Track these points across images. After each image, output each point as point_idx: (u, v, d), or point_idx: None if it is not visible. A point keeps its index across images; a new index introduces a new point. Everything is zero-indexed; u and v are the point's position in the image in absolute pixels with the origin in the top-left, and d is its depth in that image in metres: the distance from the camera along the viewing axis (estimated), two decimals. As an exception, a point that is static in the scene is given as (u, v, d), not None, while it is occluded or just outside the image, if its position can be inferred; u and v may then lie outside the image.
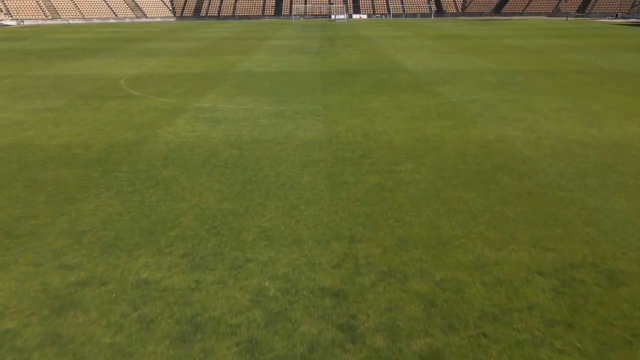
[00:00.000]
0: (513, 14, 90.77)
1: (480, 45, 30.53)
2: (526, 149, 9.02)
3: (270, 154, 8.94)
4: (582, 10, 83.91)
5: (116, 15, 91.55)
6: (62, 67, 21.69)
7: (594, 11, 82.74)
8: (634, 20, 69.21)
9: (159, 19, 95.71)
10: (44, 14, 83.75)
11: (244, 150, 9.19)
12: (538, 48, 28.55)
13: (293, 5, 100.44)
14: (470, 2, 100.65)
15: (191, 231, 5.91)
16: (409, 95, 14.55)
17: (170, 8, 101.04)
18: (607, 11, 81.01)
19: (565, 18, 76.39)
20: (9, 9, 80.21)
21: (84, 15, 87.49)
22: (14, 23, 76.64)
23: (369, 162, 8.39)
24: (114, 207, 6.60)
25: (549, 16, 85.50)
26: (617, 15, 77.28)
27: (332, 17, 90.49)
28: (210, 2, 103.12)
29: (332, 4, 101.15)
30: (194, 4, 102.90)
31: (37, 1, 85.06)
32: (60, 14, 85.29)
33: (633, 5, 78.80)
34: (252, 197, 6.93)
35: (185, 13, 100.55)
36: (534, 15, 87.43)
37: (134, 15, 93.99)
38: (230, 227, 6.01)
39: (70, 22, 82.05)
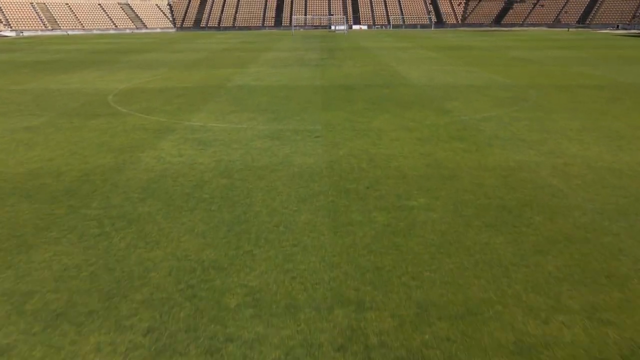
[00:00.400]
0: (513, 24, 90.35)
1: (485, 57, 29.60)
2: (553, 179, 7.93)
3: (264, 184, 7.85)
4: (582, 21, 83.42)
5: (116, 26, 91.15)
6: (50, 81, 20.68)
7: (594, 22, 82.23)
8: (636, 31, 68.58)
9: (159, 30, 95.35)
10: (44, 24, 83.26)
11: (234, 179, 8.10)
12: (546, 60, 27.60)
13: (293, 16, 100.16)
14: (470, 13, 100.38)
15: (162, 293, 4.79)
16: (415, 112, 13.50)
17: (171, 19, 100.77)
18: (607, 22, 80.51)
19: (567, 29, 75.84)
20: (9, 20, 79.71)
21: (83, 26, 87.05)
22: (13, 34, 76.08)
23: (376, 196, 7.29)
24: (73, 258, 5.49)
25: (549, 27, 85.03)
26: (617, 26, 76.73)
27: (332, 27, 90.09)
28: (210, 13, 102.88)
29: (332, 14, 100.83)
30: (194, 15, 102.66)
31: (36, 12, 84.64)
32: (60, 24, 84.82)
33: (634, 17, 78.27)
34: (240, 243, 5.83)
35: (186, 24, 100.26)
36: (535, 26, 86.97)
37: (134, 26, 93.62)
38: (210, 287, 4.89)
39: (69, 33, 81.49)
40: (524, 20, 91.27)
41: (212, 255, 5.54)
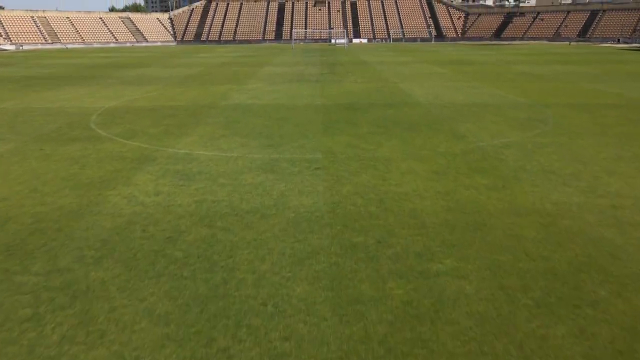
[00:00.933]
0: (513, 38, 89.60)
1: (492, 73, 28.28)
2: (606, 230, 6.43)
3: (252, 236, 6.36)
4: (582, 35, 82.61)
5: (117, 40, 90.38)
6: (34, 99, 19.28)
7: (594, 36, 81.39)
8: (637, 45, 67.62)
9: (159, 43, 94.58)
10: (44, 38, 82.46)
11: (216, 229, 6.61)
12: (555, 75, 26.27)
13: (293, 29, 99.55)
14: (469, 27, 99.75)
15: None
16: (425, 137, 12.06)
17: (171, 32, 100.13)
18: (607, 36, 79.64)
19: (568, 43, 74.94)
20: (9, 34, 78.89)
21: (84, 40, 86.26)
22: (12, 47, 75.16)
23: (391, 254, 5.79)
24: (-19, 363, 3.98)
25: (549, 41, 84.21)
26: (618, 40, 75.84)
27: (333, 41, 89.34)
28: (211, 27, 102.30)
29: (332, 28, 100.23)
30: (195, 28, 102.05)
31: (37, 26, 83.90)
32: (60, 38, 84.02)
33: (634, 30, 77.43)
34: (213, 334, 4.32)
35: (186, 37, 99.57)
36: (535, 40, 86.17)
37: (135, 40, 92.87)
38: (162, 420, 3.37)
39: (68, 46, 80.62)
40: (524, 33, 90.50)
41: (173, 357, 4.02)
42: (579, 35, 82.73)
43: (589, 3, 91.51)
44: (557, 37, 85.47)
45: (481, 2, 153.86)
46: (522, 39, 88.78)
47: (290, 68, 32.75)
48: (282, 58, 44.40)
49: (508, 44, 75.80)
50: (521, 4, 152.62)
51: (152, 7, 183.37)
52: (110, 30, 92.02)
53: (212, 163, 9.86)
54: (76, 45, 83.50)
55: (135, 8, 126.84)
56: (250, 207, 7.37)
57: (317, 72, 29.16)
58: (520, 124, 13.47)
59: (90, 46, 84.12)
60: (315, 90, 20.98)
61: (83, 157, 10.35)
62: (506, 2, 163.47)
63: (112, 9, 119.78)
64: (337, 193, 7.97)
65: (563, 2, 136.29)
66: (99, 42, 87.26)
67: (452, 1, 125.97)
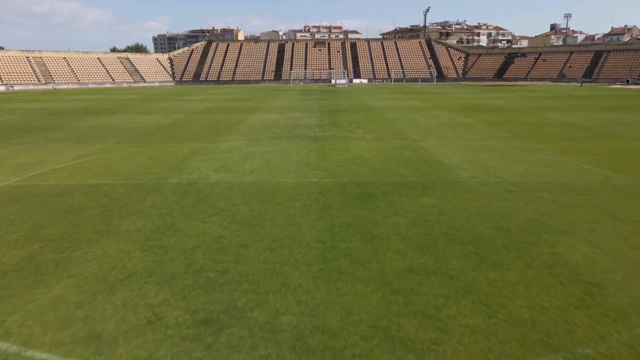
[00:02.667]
0: (516, 79, 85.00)
1: (528, 124, 22.28)
2: None
3: None
4: (588, 75, 77.90)
5: (113, 80, 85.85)
6: None
7: (601, 77, 76.68)
8: (651, 86, 62.53)
9: (157, 84, 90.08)
10: (37, 79, 77.77)
11: None
12: (608, 127, 20.25)
13: (292, 70, 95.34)
14: (470, 67, 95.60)
15: None
16: (514, 274, 5.73)
17: (170, 73, 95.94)
18: (614, 76, 74.92)
19: (580, 84, 69.92)
20: (1, 74, 74.22)
21: (79, 80, 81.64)
22: (2, 88, 70.26)
23: None
24: None
25: (554, 81, 79.50)
26: (627, 81, 70.97)
27: (333, 81, 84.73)
28: (210, 67, 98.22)
29: (332, 68, 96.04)
30: (194, 68, 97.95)
31: (31, 66, 79.43)
32: (54, 79, 79.36)
33: (643, 71, 72.70)
34: None
35: (185, 77, 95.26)
36: (539, 81, 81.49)
37: (132, 80, 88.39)
38: None
39: (56, 87, 75.65)
40: (527, 74, 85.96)
41: None
42: (584, 76, 78.00)
43: (592, 44, 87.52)
44: (561, 77, 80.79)
45: (475, 44, 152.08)
46: (525, 79, 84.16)
47: (283, 115, 26.87)
48: (278, 101, 38.74)
49: (513, 85, 70.90)
50: (514, 45, 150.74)
51: (161, 48, 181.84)
52: (107, 71, 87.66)
53: None
54: (70, 86, 78.77)
55: (137, 49, 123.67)
56: None
57: (315, 123, 23.20)
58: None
59: (84, 87, 79.38)
60: (311, 154, 14.83)
61: None
62: (499, 44, 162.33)
63: (114, 50, 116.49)
64: None
65: (555, 43, 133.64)
66: (95, 83, 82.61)
67: (446, 39, 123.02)
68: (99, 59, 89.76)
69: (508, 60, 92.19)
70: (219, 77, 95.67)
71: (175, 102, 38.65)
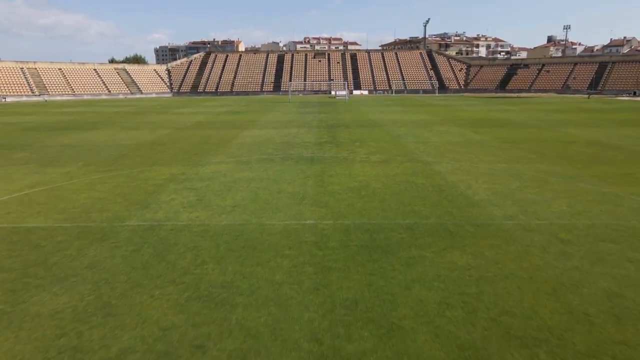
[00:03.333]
0: (520, 90, 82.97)
1: (550, 141, 19.89)
2: None
3: None
4: (593, 87, 75.88)
5: (109, 92, 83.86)
6: None
7: (607, 88, 74.62)
8: (660, 98, 60.35)
9: (154, 95, 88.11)
10: (30, 90, 75.73)
11: None
12: (636, 149, 17.86)
13: (292, 81, 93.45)
14: (472, 78, 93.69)
15: None
16: None
17: (168, 84, 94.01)
18: (620, 88, 72.89)
19: (587, 96, 67.77)
20: (-7, 85, 72.18)
21: (74, 92, 79.60)
22: (-6, 99, 68.17)
23: None
24: None
25: (559, 93, 77.46)
26: (634, 92, 68.88)
27: (332, 93, 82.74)
28: (208, 78, 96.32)
29: (332, 79, 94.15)
30: (192, 80, 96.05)
31: (25, 78, 77.43)
32: (48, 90, 77.34)
33: (650, 82, 70.66)
34: None
35: (183, 89, 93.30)
36: (543, 92, 79.45)
37: (129, 91, 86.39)
38: None
39: (48, 99, 73.46)
40: (530, 85, 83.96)
41: None
42: (589, 88, 76.00)
43: (595, 55, 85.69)
44: (566, 89, 78.76)
45: (474, 55, 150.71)
46: (528, 90, 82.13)
47: (279, 131, 24.51)
48: (274, 114, 36.45)
49: (517, 96, 68.81)
50: (513, 57, 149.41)
51: (163, 60, 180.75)
52: (103, 82, 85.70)
53: None
54: (64, 98, 76.71)
55: (136, 60, 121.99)
56: None
57: (314, 140, 20.84)
58: None
59: (79, 98, 77.33)
60: (307, 182, 12.40)
61: None
62: (498, 55, 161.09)
63: (112, 61, 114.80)
64: None
65: (554, 55, 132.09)
66: (90, 94, 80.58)
67: (445, 51, 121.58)
68: (95, 70, 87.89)
69: (510, 72, 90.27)
70: (217, 88, 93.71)
71: (166, 116, 36.37)
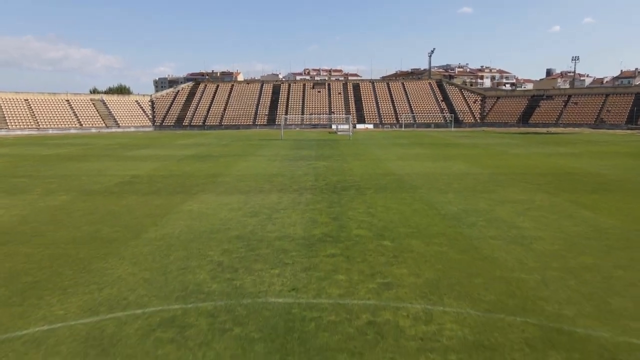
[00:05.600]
0: (546, 124, 74.26)
1: None
2: None
3: None
4: (633, 121, 67.15)
5: (81, 125, 75.14)
6: None
7: (648, 122, 65.86)
8: None
9: (132, 129, 79.41)
10: (-13, 123, 66.95)
11: None
12: None
13: (288, 113, 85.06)
14: (489, 111, 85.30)
15: None
16: None
17: (150, 116, 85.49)
18: (664, 122, 64.11)
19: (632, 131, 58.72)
20: (-57, 118, 63.41)
21: (39, 125, 70.86)
22: (-61, 134, 59.15)
23: None
24: None
25: (592, 128, 68.67)
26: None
27: (334, 127, 74.05)
28: (196, 110, 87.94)
29: (333, 112, 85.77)
30: (178, 112, 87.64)
31: (-17, 109, 68.81)
32: (8, 124, 68.60)
33: (701, 116, 61.91)
34: None
35: (167, 122, 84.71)
36: (574, 127, 70.69)
37: (104, 125, 77.70)
38: None
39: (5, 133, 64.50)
40: (557, 119, 75.30)
41: None
42: (628, 122, 67.30)
43: (630, 85, 77.64)
44: (600, 123, 70.02)
45: (479, 86, 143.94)
46: (556, 125, 73.39)
47: (245, 203, 14.82)
48: (255, 162, 26.97)
49: (547, 132, 59.92)
50: (518, 88, 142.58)
51: (162, 88, 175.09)
52: (75, 114, 77.14)
53: None
54: (25, 132, 67.86)
55: (120, 90, 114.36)
56: None
57: (301, 232, 11.11)
58: None
59: (42, 133, 68.49)
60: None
61: None
62: (503, 86, 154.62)
63: (94, 91, 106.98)
64: None
65: (561, 86, 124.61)
66: (57, 128, 71.80)
67: (451, 78, 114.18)
68: (67, 100, 79.52)
69: (532, 104, 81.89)
70: (204, 121, 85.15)
71: (108, 162, 26.89)
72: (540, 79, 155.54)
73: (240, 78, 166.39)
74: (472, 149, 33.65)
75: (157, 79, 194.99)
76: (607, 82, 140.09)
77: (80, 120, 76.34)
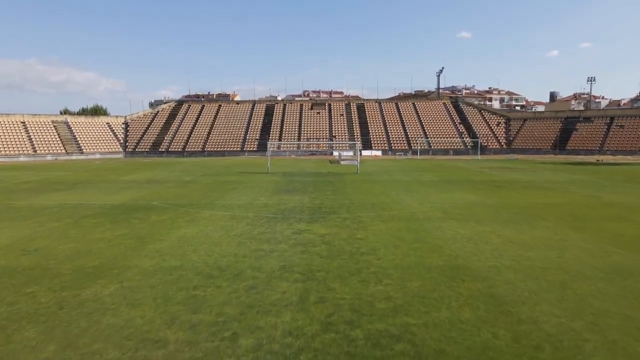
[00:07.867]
0: (589, 151, 64.49)
1: None
2: None
3: None
4: (697, 147, 57.35)
5: (35, 152, 65.38)
6: None
7: None
8: None
9: (98, 156, 69.61)
10: None
11: None
12: None
13: (282, 138, 75.53)
14: (516, 135, 75.72)
15: None
16: None
17: (122, 141, 75.84)
18: None
19: None
20: None
21: (-18, 152, 61.05)
22: None
23: None
24: None
25: (647, 155, 58.88)
26: None
27: (335, 154, 64.33)
28: (176, 134, 78.38)
29: (335, 136, 76.18)
30: (154, 136, 78.04)
31: None
32: (-57, 149, 58.80)
33: None
34: None
35: (140, 147, 75.02)
36: (623, 154, 60.94)
37: (64, 151, 67.94)
38: None
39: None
40: (601, 145, 65.66)
41: None
42: (691, 148, 57.50)
43: (617, 109, 68.31)
44: (656, 150, 60.25)
45: (487, 104, 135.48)
46: (601, 152, 63.63)
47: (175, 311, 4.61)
48: (209, 222, 16.68)
49: (597, 161, 50.07)
50: (529, 110, 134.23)
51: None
52: (30, 139, 67.49)
53: None
54: (-38, 160, 57.96)
55: (95, 111, 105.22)
56: None
57: None
58: None
59: (-18, 161, 58.60)
60: None
61: None
62: (516, 108, 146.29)
63: (65, 112, 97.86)
64: None
65: (575, 108, 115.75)
66: (3, 156, 61.96)
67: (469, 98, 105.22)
68: (23, 122, 70.00)
69: (567, 127, 72.38)
70: (185, 147, 75.45)
71: (8, 213, 16.64)
72: (552, 101, 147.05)
73: (237, 99, 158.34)
74: (540, 193, 23.41)
75: (152, 101, 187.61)
76: (624, 103, 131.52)
77: (35, 145, 66.59)
